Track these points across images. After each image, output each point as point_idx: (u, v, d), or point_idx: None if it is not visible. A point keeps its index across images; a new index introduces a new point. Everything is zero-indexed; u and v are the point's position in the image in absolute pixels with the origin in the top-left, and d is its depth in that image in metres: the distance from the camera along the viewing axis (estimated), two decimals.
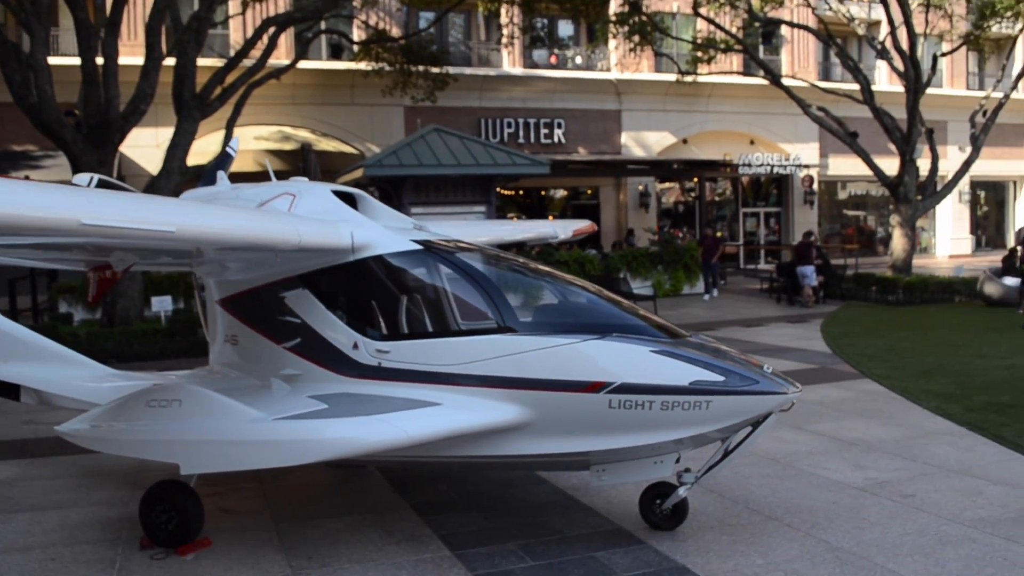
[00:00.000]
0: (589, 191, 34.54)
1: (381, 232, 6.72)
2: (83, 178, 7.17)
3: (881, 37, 27.84)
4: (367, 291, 6.59)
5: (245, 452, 5.75)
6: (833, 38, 27.15)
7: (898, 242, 25.86)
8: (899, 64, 25.50)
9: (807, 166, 34.84)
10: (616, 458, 6.17)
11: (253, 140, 24.74)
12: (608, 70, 33.32)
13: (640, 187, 33.44)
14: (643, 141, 33.46)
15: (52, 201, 4.41)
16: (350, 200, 7.40)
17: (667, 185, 35.83)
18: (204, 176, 8.27)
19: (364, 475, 8.09)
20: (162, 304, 16.10)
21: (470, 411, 5.92)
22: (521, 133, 31.36)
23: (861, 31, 27.86)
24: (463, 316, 6.48)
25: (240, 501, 7.38)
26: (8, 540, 6.54)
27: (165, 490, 6.27)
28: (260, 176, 8.53)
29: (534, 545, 6.24)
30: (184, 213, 5.38)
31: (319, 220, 6.54)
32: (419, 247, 6.64)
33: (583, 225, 11.97)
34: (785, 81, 27.00)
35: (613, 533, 6.48)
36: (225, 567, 5.92)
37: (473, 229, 9.60)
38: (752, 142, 34.82)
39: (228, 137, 19.23)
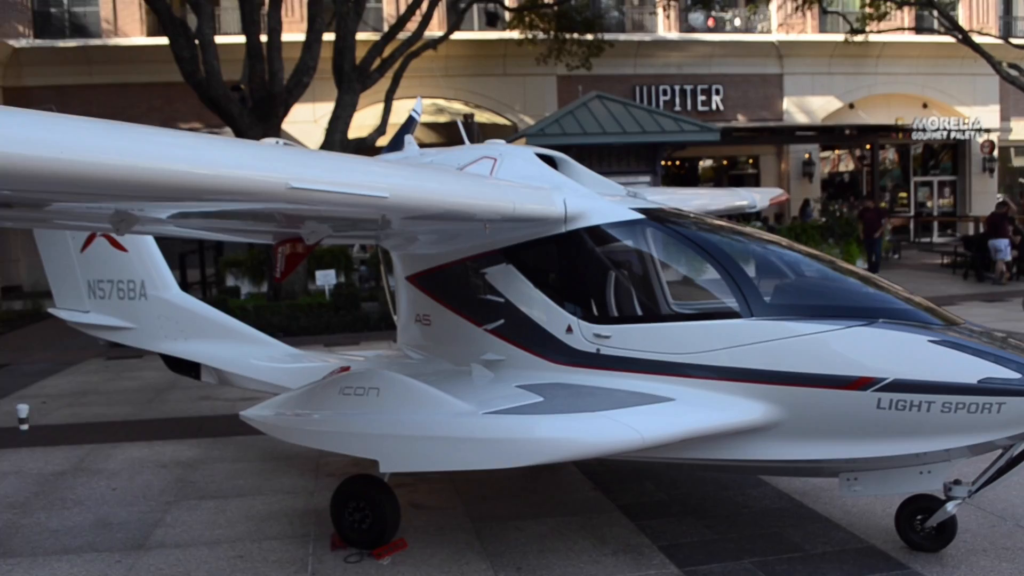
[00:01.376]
0: (749, 160, 32.79)
1: (596, 200, 5.91)
2: (270, 142, 6.68)
3: None
4: (582, 267, 5.79)
5: (454, 451, 5.05)
6: None
7: None
8: None
9: (988, 130, 31.82)
10: (875, 466, 5.22)
11: (407, 113, 24.35)
12: (769, 32, 31.44)
13: (805, 155, 31.48)
14: (806, 106, 31.44)
15: (258, 161, 3.79)
16: (549, 163, 6.63)
17: (825, 154, 33.64)
18: (391, 141, 7.69)
19: (559, 468, 7.37)
20: (326, 278, 15.93)
21: (711, 409, 5.07)
22: (677, 100, 29.90)
23: None
24: (697, 297, 5.61)
25: (430, 495, 6.78)
26: (195, 532, 6.15)
27: (359, 486, 5.70)
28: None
29: (774, 564, 5.37)
30: (395, 176, 4.67)
31: (528, 186, 5.78)
32: (641, 216, 5.79)
33: (778, 194, 11.05)
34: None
35: (864, 552, 5.52)
36: (425, 574, 5.30)
37: (671, 197, 8.69)
38: (925, 105, 32.16)
39: (388, 109, 19.04)
